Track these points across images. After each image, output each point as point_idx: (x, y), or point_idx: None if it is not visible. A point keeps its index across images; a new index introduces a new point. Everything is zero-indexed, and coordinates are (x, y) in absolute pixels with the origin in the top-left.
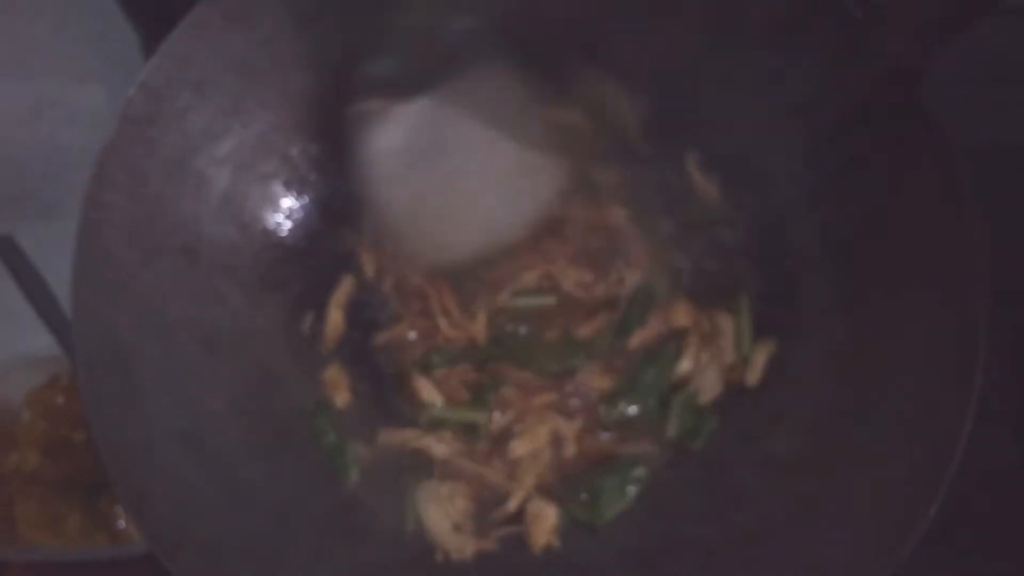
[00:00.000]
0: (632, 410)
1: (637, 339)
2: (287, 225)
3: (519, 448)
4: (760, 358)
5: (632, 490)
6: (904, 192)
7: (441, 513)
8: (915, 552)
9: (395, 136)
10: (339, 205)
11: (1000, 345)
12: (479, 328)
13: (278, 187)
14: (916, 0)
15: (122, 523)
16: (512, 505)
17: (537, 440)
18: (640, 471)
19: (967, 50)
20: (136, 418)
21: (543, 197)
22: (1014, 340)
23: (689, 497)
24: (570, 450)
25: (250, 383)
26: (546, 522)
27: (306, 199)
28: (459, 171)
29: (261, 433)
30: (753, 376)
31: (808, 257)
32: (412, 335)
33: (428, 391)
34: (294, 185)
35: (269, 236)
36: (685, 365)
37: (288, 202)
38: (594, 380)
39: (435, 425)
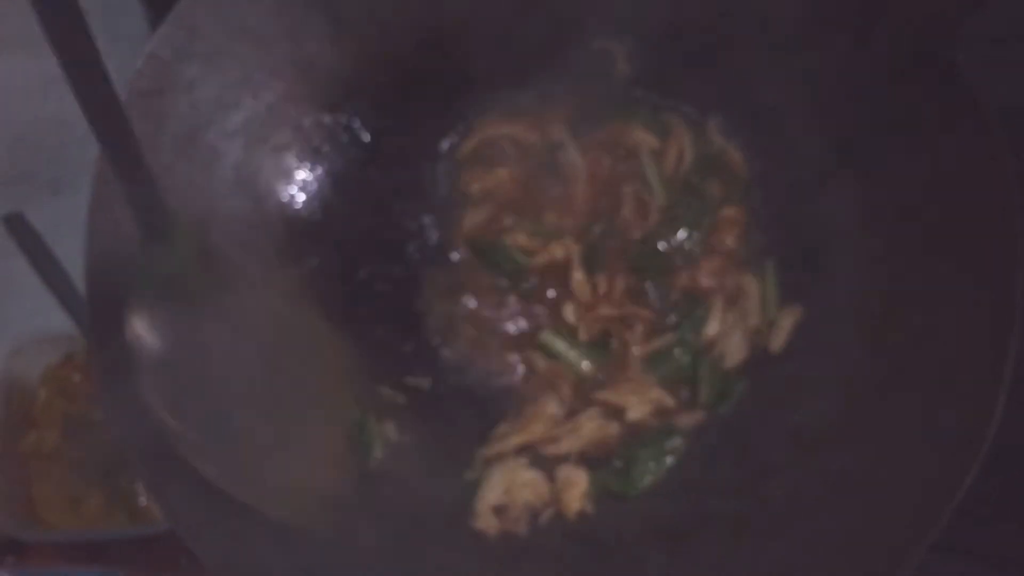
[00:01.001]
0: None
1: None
2: (301, 197)
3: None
4: (786, 324)
5: (669, 461)
6: (937, 155)
7: (499, 494)
8: (951, 522)
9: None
10: (352, 176)
11: None
12: None
13: (291, 159)
14: None
15: (142, 500)
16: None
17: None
18: (677, 441)
19: (1001, 8)
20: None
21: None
22: None
23: (718, 471)
24: (615, 426)
25: (267, 360)
26: (577, 488)
27: (320, 171)
28: None
29: (279, 408)
30: (777, 342)
31: (838, 223)
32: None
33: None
34: (307, 157)
35: (283, 209)
36: (712, 327)
37: (302, 174)
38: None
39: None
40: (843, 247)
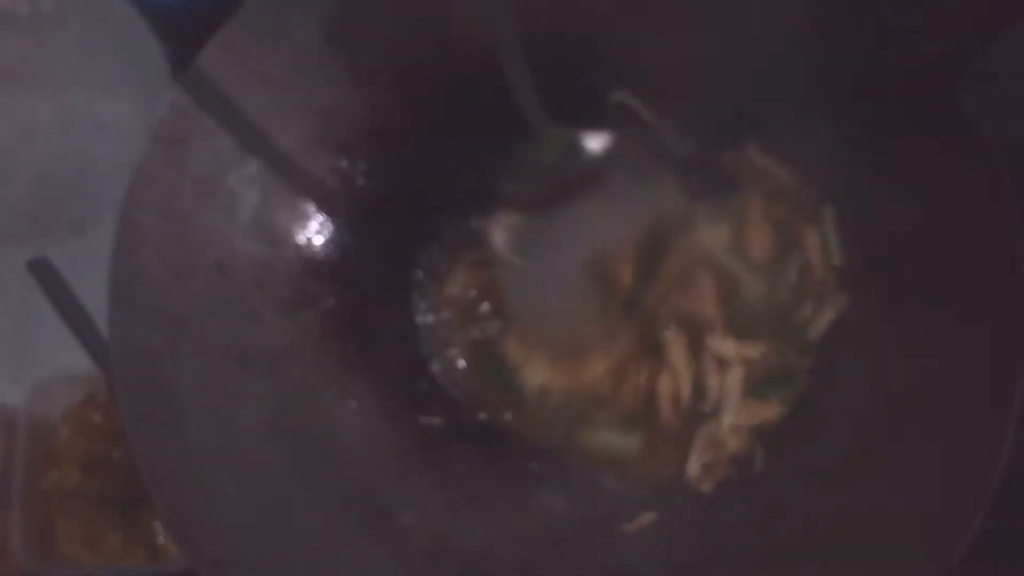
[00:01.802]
0: None
1: None
2: (318, 240)
3: None
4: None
5: None
6: (942, 193)
7: None
8: (962, 562)
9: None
10: (368, 220)
11: None
12: None
13: (308, 203)
14: (950, 5)
15: (161, 539)
16: None
17: None
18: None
19: (1003, 46)
20: (176, 438)
21: None
22: None
23: (728, 509)
24: None
25: (285, 400)
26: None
27: (336, 214)
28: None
29: (299, 449)
30: (817, 328)
31: (845, 263)
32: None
33: None
34: (324, 201)
35: (300, 251)
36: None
37: (319, 217)
38: None
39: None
40: (849, 286)
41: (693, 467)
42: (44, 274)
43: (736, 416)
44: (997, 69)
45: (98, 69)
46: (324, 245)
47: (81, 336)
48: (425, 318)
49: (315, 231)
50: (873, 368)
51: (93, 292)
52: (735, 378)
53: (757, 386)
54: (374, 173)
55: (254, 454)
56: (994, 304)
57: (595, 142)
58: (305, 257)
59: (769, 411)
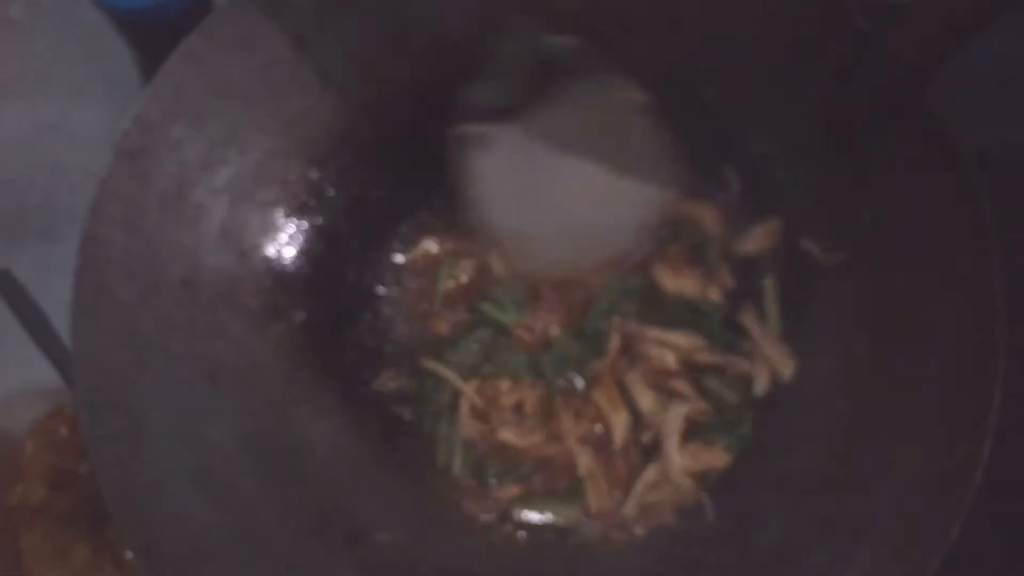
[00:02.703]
0: None
1: None
2: (288, 252)
3: None
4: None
5: None
6: (917, 199)
7: None
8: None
9: (495, 159)
10: (339, 230)
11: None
12: None
13: (278, 214)
14: (922, 13)
15: (129, 553)
16: None
17: None
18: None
19: (976, 51)
20: (141, 458)
21: (650, 209)
22: None
23: (704, 520)
24: None
25: (256, 416)
26: None
27: (306, 225)
28: (562, 189)
29: (269, 467)
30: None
31: (821, 268)
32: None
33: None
34: (294, 212)
35: (270, 264)
36: None
37: (289, 229)
38: None
39: None
40: (828, 297)
41: (630, 508)
42: (8, 286)
43: (679, 457)
44: (968, 76)
45: (69, 77)
46: (294, 257)
47: (46, 349)
48: (397, 328)
49: (284, 243)
50: (847, 375)
51: (61, 302)
52: (676, 414)
53: (702, 430)
54: (344, 183)
55: (223, 473)
56: (967, 310)
57: (558, 43)
58: (275, 270)
59: (714, 458)
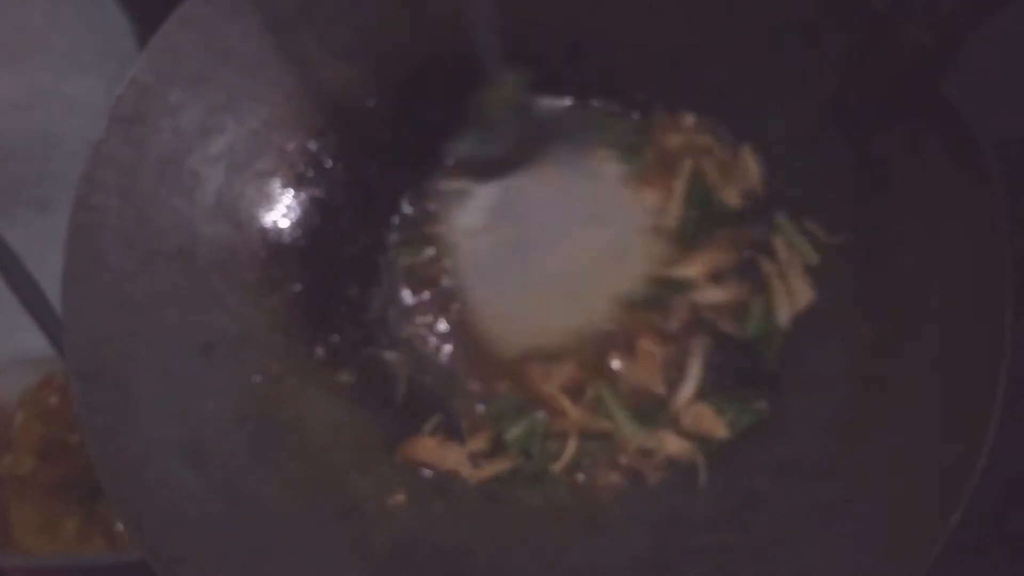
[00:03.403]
0: None
1: None
2: (285, 223)
3: None
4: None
5: None
6: (927, 186)
7: None
8: (939, 560)
9: (478, 215)
10: (337, 201)
11: None
12: None
13: (275, 184)
14: None
15: (120, 525)
16: None
17: None
18: None
19: (992, 39)
20: (133, 430)
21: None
22: None
23: (703, 503)
24: None
25: (250, 389)
26: None
27: (304, 196)
28: (544, 252)
29: (264, 442)
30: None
31: (831, 251)
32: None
33: None
34: (291, 182)
35: (267, 235)
36: None
37: (286, 200)
38: None
39: None
40: (835, 273)
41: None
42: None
43: (689, 404)
44: (984, 63)
45: (65, 46)
46: (291, 228)
47: (37, 317)
48: (396, 300)
49: (282, 214)
50: (848, 361)
51: (55, 272)
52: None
53: (720, 396)
54: (343, 155)
55: (217, 446)
56: (975, 298)
57: (546, 106)
58: (271, 241)
59: (716, 426)
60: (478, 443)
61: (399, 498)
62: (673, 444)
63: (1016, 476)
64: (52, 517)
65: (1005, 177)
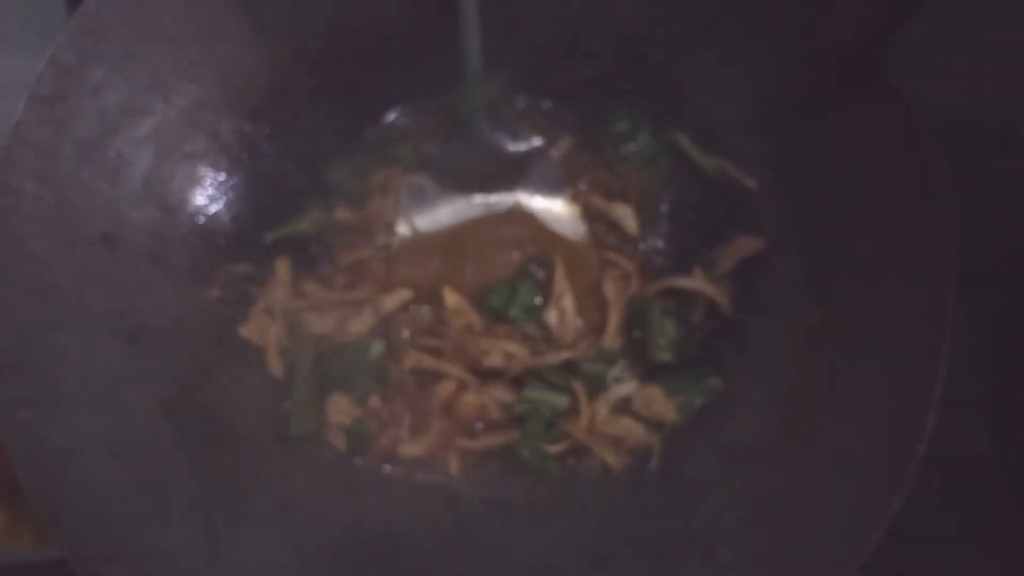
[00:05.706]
0: None
1: None
2: (216, 208)
3: None
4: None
5: None
6: (871, 170)
7: None
8: (881, 544)
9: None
10: (272, 187)
11: (974, 330)
12: None
13: (206, 168)
14: None
15: None
16: None
17: None
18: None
19: (933, 21)
20: (55, 423)
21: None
22: (988, 324)
23: (645, 492)
24: None
25: (178, 380)
26: None
27: (236, 180)
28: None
29: (191, 434)
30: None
31: (774, 236)
32: None
33: None
34: (224, 165)
35: (196, 220)
36: None
37: (217, 184)
38: None
39: None
40: (778, 259)
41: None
42: None
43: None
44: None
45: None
46: (222, 212)
47: None
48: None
49: (212, 198)
50: (795, 345)
51: None
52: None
53: (671, 377)
54: (280, 137)
55: (141, 440)
56: (917, 276)
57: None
58: (202, 226)
59: (665, 410)
60: None
61: (334, 490)
62: (639, 432)
63: (958, 460)
64: None
65: (948, 160)
